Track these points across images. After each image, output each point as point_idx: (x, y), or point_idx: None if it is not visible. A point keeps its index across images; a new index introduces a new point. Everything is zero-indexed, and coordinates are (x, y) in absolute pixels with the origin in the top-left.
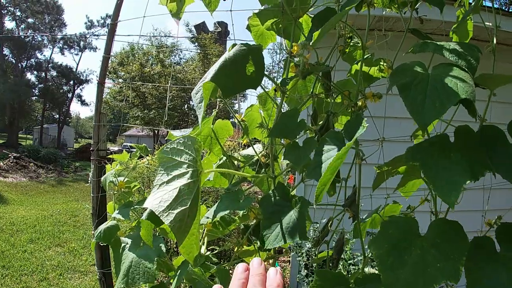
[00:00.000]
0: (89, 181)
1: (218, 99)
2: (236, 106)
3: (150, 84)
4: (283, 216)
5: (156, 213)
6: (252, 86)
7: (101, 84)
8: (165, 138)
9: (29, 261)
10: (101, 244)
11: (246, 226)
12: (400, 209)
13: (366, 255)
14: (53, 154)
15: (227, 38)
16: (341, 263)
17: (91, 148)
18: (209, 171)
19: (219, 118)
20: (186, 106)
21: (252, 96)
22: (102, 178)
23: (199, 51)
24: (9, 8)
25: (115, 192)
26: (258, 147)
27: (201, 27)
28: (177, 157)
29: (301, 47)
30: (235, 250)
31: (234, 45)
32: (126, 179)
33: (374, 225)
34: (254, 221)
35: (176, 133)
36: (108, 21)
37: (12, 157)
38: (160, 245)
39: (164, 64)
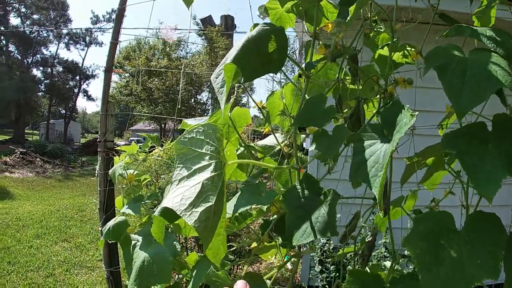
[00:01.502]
0: (96, 175)
1: (236, 85)
2: (244, 99)
3: (161, 68)
4: (311, 211)
5: (178, 213)
6: (274, 69)
7: (108, 72)
8: (176, 129)
9: (35, 256)
10: (110, 242)
11: (266, 221)
12: (414, 203)
13: (395, 251)
14: (59, 149)
15: (234, 31)
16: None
17: (98, 140)
18: (234, 162)
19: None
20: (193, 100)
21: (261, 87)
22: (110, 171)
23: (205, 44)
24: (14, 4)
25: (123, 186)
26: (277, 136)
27: (207, 21)
28: (197, 148)
29: (335, 24)
30: (252, 246)
31: (256, 24)
32: (135, 172)
33: (393, 218)
34: (275, 216)
35: (191, 122)
36: (114, 16)
37: (19, 152)
38: (174, 243)
39: (170, 57)
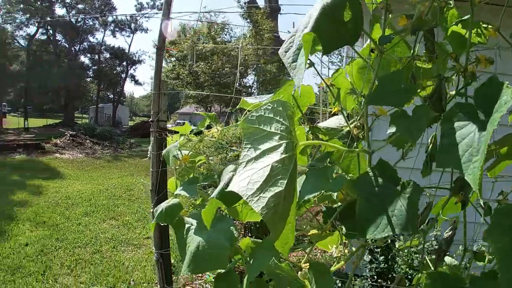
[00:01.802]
0: (148, 155)
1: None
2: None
3: (223, 45)
4: (386, 201)
5: (244, 198)
6: (351, 41)
7: (160, 50)
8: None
9: (83, 233)
10: (162, 224)
11: (329, 209)
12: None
13: (467, 247)
14: (108, 131)
15: (279, 13)
16: (406, 253)
17: (151, 119)
18: (306, 143)
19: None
20: (238, 83)
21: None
22: (164, 152)
23: (250, 27)
24: None
25: (177, 167)
26: (338, 118)
27: (252, 3)
28: (265, 127)
29: None
30: (310, 233)
31: None
32: (190, 152)
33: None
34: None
35: (251, 100)
36: (157, 2)
37: (69, 135)
38: (231, 228)
39: (216, 41)
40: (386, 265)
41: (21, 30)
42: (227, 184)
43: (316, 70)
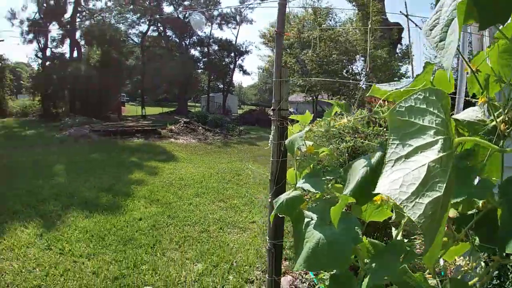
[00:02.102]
0: (270, 143)
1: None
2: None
3: (337, 27)
4: None
5: (397, 202)
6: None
7: (279, 35)
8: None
9: (193, 213)
10: (279, 215)
11: (464, 216)
12: None
13: None
14: (219, 119)
15: None
16: None
17: (272, 108)
18: (461, 139)
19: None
20: (345, 71)
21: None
22: (287, 141)
23: (356, 10)
24: None
25: (297, 158)
26: (475, 110)
27: None
28: (417, 120)
29: None
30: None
31: None
32: (312, 143)
33: None
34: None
35: (385, 87)
36: None
37: (183, 122)
38: (356, 228)
39: (322, 28)
40: (498, 281)
41: (134, 29)
42: (362, 182)
43: (459, 51)
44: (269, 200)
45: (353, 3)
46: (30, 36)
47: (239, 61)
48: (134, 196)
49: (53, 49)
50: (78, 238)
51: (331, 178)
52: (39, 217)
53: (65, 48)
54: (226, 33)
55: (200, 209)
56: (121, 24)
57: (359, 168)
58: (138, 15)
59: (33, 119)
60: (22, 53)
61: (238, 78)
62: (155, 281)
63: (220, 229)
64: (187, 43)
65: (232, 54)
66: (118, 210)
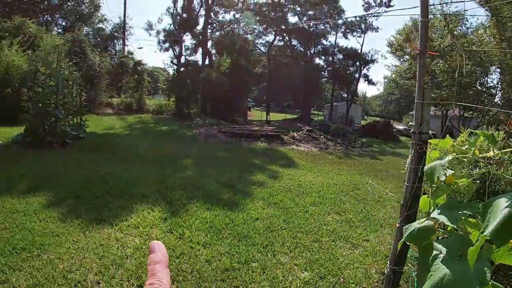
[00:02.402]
0: (406, 167)
1: None
2: None
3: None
4: None
5: None
6: None
7: (422, 54)
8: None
9: (308, 221)
10: (407, 243)
11: None
12: None
13: None
14: (341, 129)
15: None
16: None
17: (412, 131)
18: None
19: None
20: (478, 83)
21: None
22: (426, 168)
23: (489, 15)
24: (290, 6)
25: (433, 186)
26: None
27: None
28: None
29: None
30: None
31: None
32: (451, 172)
33: None
34: None
35: None
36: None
37: (305, 129)
38: (485, 269)
39: (454, 35)
40: None
41: (260, 38)
42: (503, 224)
43: None
44: (397, 224)
45: (485, 8)
46: (166, 45)
47: (364, 70)
48: (254, 196)
49: (187, 57)
50: (197, 227)
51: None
52: (165, 203)
53: (197, 56)
54: (351, 42)
55: (315, 218)
56: (249, 34)
57: (501, 208)
58: (265, 25)
59: (167, 117)
60: (158, 59)
61: (362, 87)
62: (262, 280)
63: (332, 242)
64: (312, 52)
65: (357, 63)
66: (237, 207)
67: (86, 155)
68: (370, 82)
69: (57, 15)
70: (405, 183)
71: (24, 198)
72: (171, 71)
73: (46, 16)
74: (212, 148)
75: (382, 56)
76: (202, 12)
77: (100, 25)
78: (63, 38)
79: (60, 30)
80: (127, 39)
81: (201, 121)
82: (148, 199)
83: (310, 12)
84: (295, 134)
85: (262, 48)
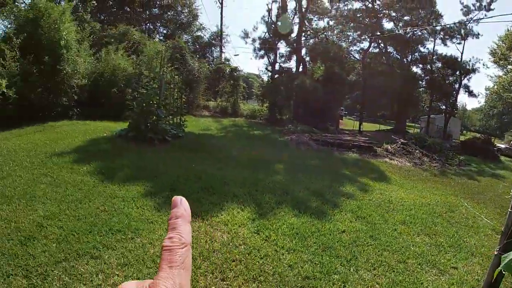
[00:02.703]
0: (511, 194)
1: None
2: None
3: None
4: None
5: None
6: None
7: None
8: None
9: (396, 240)
10: (503, 272)
11: None
12: None
13: None
14: (438, 144)
15: None
16: None
17: None
18: None
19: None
20: None
21: None
22: None
23: None
24: (384, 11)
25: None
26: None
27: None
28: None
29: None
30: None
31: None
32: None
33: None
34: None
35: None
36: (484, 2)
37: (400, 142)
38: None
39: None
40: None
41: (355, 45)
42: None
43: None
44: (495, 252)
45: None
46: (261, 52)
47: (464, 81)
48: (342, 208)
49: (281, 64)
50: (284, 232)
51: None
52: (254, 205)
53: (291, 63)
54: (450, 49)
55: (404, 238)
56: (343, 41)
57: None
58: (359, 32)
59: (260, 121)
60: (253, 66)
61: (462, 99)
62: None
63: (418, 264)
64: (409, 60)
65: (457, 73)
66: (324, 216)
67: (184, 153)
68: (471, 93)
69: (159, 24)
70: (509, 209)
71: (124, 186)
72: (265, 78)
73: (148, 24)
74: (303, 155)
75: (484, 65)
76: (296, 20)
77: (199, 33)
78: (165, 45)
79: (161, 38)
80: (224, 47)
81: (293, 127)
82: (239, 199)
83: (406, 18)
84: (389, 146)
85: (357, 55)
